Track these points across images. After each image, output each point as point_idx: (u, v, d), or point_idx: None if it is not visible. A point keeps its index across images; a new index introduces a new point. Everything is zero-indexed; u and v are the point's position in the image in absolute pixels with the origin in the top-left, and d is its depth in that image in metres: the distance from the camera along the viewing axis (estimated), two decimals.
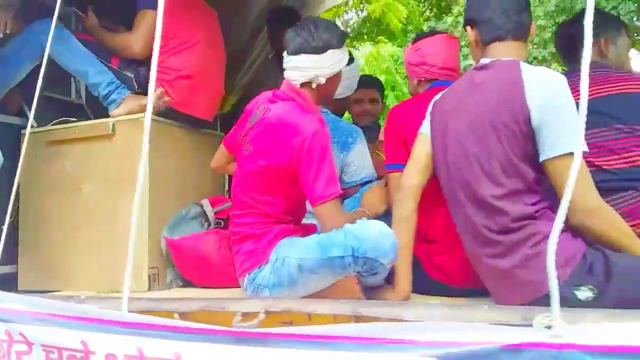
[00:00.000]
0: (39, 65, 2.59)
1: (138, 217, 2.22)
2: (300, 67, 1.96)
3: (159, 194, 2.35)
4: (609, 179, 1.79)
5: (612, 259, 1.42)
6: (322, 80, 1.95)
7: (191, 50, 2.47)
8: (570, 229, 1.48)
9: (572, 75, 2.03)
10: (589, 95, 1.90)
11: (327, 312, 1.23)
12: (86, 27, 2.53)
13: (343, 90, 2.64)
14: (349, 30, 9.52)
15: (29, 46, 2.30)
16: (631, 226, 1.72)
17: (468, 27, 1.82)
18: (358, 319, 1.19)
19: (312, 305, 1.27)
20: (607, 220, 1.48)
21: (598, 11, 2.18)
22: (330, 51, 1.95)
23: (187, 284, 2.42)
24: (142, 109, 2.36)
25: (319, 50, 1.94)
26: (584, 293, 1.38)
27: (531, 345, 1.02)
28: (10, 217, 1.78)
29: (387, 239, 1.64)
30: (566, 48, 2.21)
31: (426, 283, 1.86)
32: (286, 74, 2.01)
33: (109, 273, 2.28)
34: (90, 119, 2.55)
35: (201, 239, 2.24)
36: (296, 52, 1.96)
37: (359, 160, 2.46)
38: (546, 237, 1.43)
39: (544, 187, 1.52)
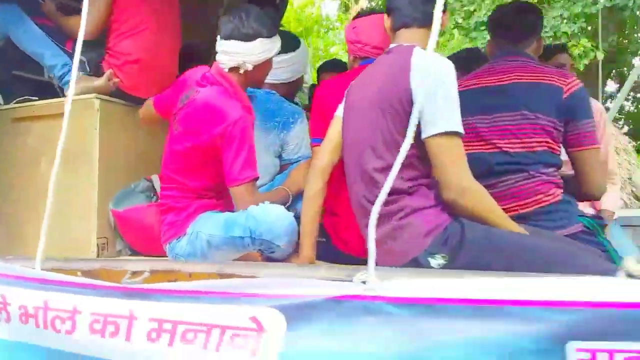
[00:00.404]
0: (6, 47, 2.80)
1: (85, 191, 2.45)
2: (229, 52, 2.12)
3: (108, 169, 2.54)
4: (504, 161, 1.95)
5: (466, 230, 1.58)
6: (249, 67, 2.11)
7: (141, 34, 2.63)
8: (442, 203, 1.63)
9: (495, 60, 2.19)
10: (508, 80, 2.07)
11: (202, 271, 1.41)
12: (43, 11, 2.70)
13: (292, 74, 2.80)
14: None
15: None
16: (515, 206, 1.89)
17: (385, 15, 1.97)
18: (222, 276, 1.37)
19: (191, 266, 1.45)
20: (478, 200, 1.63)
21: (536, 11, 2.32)
22: (259, 40, 2.11)
23: (136, 253, 2.62)
24: (94, 90, 2.55)
25: (248, 37, 2.10)
26: (437, 261, 1.54)
27: (349, 297, 1.19)
28: None
29: (282, 223, 1.83)
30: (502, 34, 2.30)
31: (333, 254, 2.04)
32: (217, 57, 2.17)
33: (62, 241, 2.49)
34: (59, 97, 2.75)
35: (144, 211, 2.42)
36: (227, 37, 2.12)
37: (297, 139, 2.62)
38: (414, 211, 1.62)
39: (426, 164, 1.66)
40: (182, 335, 1.31)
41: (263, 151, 2.38)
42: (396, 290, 1.16)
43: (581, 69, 9.23)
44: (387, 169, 1.65)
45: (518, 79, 2.05)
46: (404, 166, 1.65)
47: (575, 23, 9.32)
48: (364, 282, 1.19)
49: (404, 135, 1.64)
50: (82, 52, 2.62)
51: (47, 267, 1.57)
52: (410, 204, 1.61)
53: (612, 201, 2.71)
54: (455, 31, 10.39)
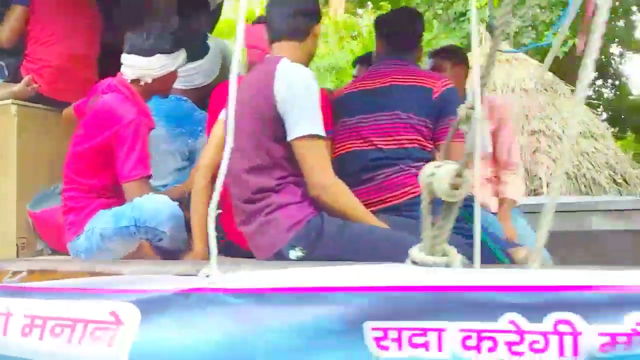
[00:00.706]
0: None
1: (3, 194, 2.53)
2: (130, 66, 2.23)
3: (27, 172, 2.62)
4: (379, 156, 2.08)
5: (325, 224, 1.71)
6: (149, 80, 2.23)
7: (57, 42, 2.71)
8: (308, 199, 1.76)
9: (377, 63, 2.32)
10: (387, 82, 2.20)
11: (75, 269, 1.51)
12: None
13: (203, 79, 2.91)
14: None
15: None
16: (389, 197, 2.03)
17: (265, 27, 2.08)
18: (92, 274, 1.47)
19: (65, 265, 1.56)
20: (338, 196, 1.75)
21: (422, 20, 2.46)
22: (157, 55, 2.22)
23: (56, 252, 2.70)
24: (11, 96, 2.62)
25: (147, 53, 2.21)
26: (295, 253, 1.67)
27: (194, 290, 1.30)
28: None
29: (164, 210, 1.94)
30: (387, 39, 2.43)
31: (231, 248, 2.15)
32: (121, 69, 2.27)
33: None
34: None
35: (58, 211, 2.51)
36: (128, 52, 2.23)
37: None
38: (280, 207, 1.74)
39: (294, 164, 1.78)
40: (52, 330, 1.41)
41: (169, 155, 2.49)
42: (233, 282, 1.28)
43: (560, 57, 9.40)
44: (254, 169, 1.77)
45: (395, 81, 2.19)
46: (273, 166, 1.77)
47: (552, 12, 9.50)
48: (207, 276, 1.30)
49: (271, 139, 1.77)
50: (1, 58, 2.76)
51: None
52: (276, 201, 1.73)
53: (513, 190, 2.85)
54: (435, 22, 10.44)
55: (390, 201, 2.02)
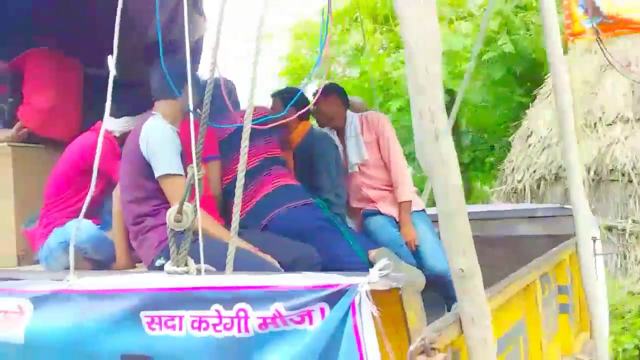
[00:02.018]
0: None
1: (5, 217, 3.26)
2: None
3: (22, 198, 3.34)
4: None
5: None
6: (117, 134, 2.95)
7: (48, 90, 3.42)
8: None
9: None
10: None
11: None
12: None
13: None
14: None
15: None
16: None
17: None
18: (4, 279, 2.11)
19: None
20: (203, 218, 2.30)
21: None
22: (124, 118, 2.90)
23: None
24: (6, 140, 3.36)
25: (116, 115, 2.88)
26: (160, 262, 2.23)
27: (61, 291, 1.91)
28: None
29: (84, 232, 2.58)
30: None
31: None
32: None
33: None
34: None
35: None
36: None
37: None
38: (152, 228, 2.32)
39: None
40: None
41: None
42: (81, 285, 1.88)
43: None
44: (136, 200, 2.36)
45: None
46: (149, 197, 2.36)
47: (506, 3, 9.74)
48: (68, 281, 1.91)
49: (144, 178, 2.35)
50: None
51: None
52: (150, 223, 2.31)
53: (403, 192, 3.31)
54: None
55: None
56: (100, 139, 1.92)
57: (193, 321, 1.59)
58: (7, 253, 3.32)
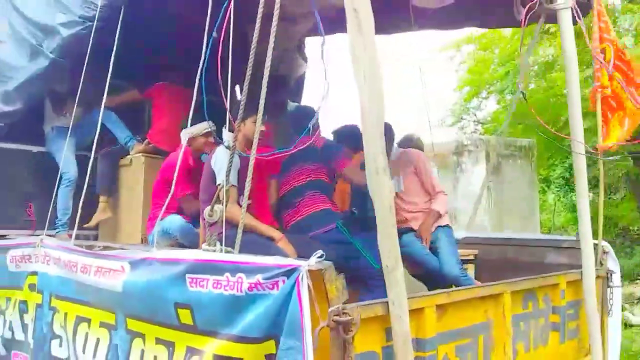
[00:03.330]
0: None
1: (136, 208, 4.40)
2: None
3: (148, 195, 4.45)
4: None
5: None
6: None
7: (164, 118, 4.56)
8: None
9: None
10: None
11: (115, 246, 3.19)
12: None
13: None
14: None
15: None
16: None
17: None
18: (106, 248, 3.13)
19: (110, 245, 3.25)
20: (231, 214, 3.02)
21: None
22: None
23: None
24: (140, 151, 4.52)
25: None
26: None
27: (146, 258, 2.86)
28: None
29: (175, 224, 3.55)
30: None
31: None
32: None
33: (127, 234, 4.49)
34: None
35: None
36: None
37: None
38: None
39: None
40: (95, 270, 3.07)
41: None
42: (158, 255, 2.81)
43: None
44: (204, 201, 3.27)
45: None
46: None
47: None
48: (149, 250, 2.85)
49: (212, 184, 3.25)
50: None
51: (76, 244, 3.47)
52: None
53: (437, 206, 4.01)
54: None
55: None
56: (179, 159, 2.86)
57: (213, 282, 2.43)
58: (135, 235, 4.46)
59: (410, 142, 4.52)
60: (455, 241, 4.08)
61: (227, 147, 2.73)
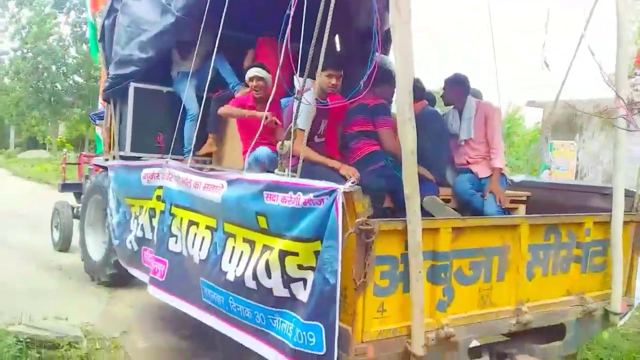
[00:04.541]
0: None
1: (238, 148, 5.37)
2: None
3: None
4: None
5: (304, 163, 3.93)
6: None
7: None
8: None
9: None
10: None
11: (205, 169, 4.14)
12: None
13: None
14: None
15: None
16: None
17: None
18: (217, 171, 4.07)
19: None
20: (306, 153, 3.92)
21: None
22: None
23: None
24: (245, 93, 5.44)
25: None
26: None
27: (238, 179, 3.77)
28: None
29: (264, 153, 4.41)
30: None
31: None
32: None
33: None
34: None
35: None
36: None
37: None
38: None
39: None
40: (196, 184, 4.05)
41: None
42: (246, 176, 3.70)
43: None
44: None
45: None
46: None
47: None
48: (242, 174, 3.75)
49: None
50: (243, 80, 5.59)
51: (191, 165, 4.47)
52: None
53: (496, 162, 4.56)
54: None
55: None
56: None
57: (282, 197, 3.26)
58: (237, 162, 5.43)
59: (477, 94, 5.10)
60: (505, 187, 4.70)
61: (297, 98, 3.49)
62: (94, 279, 6.75)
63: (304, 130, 3.77)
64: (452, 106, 5.00)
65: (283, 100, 5.07)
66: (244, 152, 4.87)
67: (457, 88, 4.86)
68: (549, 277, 3.80)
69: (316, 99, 4.00)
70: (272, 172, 3.67)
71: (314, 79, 4.21)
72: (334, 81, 4.33)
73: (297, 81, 4.05)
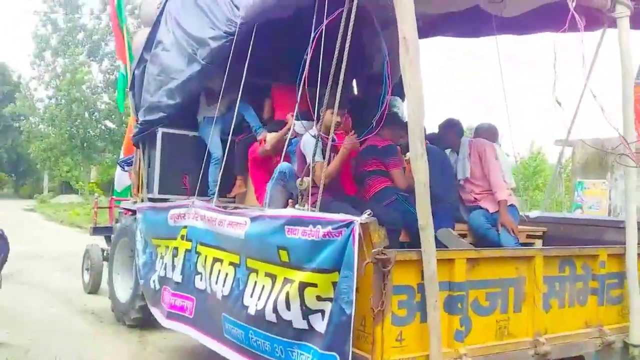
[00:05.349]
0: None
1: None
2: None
3: None
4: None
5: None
6: None
7: (284, 109, 5.65)
8: None
9: None
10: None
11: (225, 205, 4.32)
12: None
13: None
14: None
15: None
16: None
17: None
18: (235, 208, 4.25)
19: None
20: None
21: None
22: None
23: None
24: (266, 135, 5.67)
25: None
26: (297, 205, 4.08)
27: (261, 215, 3.95)
28: None
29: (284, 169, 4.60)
30: None
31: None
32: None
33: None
34: None
35: None
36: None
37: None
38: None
39: None
40: (221, 222, 4.22)
41: None
42: (267, 212, 3.88)
43: None
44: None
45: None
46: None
47: None
48: (263, 210, 3.92)
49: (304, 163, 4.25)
50: (264, 125, 5.84)
51: (216, 204, 4.67)
52: None
53: (500, 194, 4.68)
54: None
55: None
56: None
57: (302, 231, 3.42)
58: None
59: (481, 131, 5.28)
60: (518, 218, 4.79)
61: (313, 136, 3.70)
62: (119, 321, 6.89)
63: (321, 162, 3.93)
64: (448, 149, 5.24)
65: (293, 141, 5.30)
66: (258, 190, 5.06)
67: (451, 131, 5.14)
68: (566, 309, 3.86)
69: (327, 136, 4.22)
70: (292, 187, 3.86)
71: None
72: (337, 119, 4.56)
73: (301, 125, 4.34)
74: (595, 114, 3.86)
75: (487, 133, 5.31)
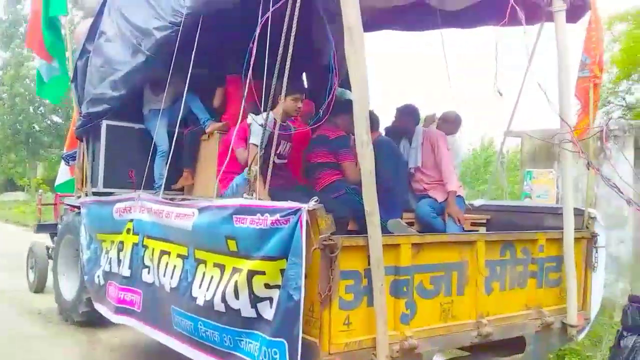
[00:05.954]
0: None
1: (211, 167, 5.57)
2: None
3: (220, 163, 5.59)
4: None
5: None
6: None
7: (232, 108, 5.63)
8: None
9: None
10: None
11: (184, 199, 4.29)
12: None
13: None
14: None
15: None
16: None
17: None
18: (190, 200, 4.22)
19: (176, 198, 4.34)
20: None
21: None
22: None
23: None
24: (215, 129, 5.63)
25: None
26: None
27: (209, 206, 3.92)
28: None
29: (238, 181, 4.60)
30: None
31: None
32: None
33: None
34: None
35: None
36: None
37: None
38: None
39: None
40: (167, 214, 4.19)
41: None
42: (217, 202, 3.86)
43: None
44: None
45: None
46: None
47: None
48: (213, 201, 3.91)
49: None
50: (214, 116, 5.81)
51: (163, 197, 4.62)
52: None
53: (450, 185, 4.81)
54: None
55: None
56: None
57: (250, 220, 3.42)
58: (208, 194, 5.58)
59: (447, 119, 5.42)
60: (464, 207, 4.93)
61: (260, 125, 3.71)
62: (67, 320, 6.72)
63: (257, 146, 3.93)
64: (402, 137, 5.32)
65: None
66: (222, 180, 5.01)
67: (409, 118, 5.18)
68: (507, 292, 4.00)
69: (281, 123, 4.21)
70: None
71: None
72: (299, 104, 4.61)
73: (251, 118, 4.36)
74: (542, 105, 4.00)
75: (453, 123, 5.45)
